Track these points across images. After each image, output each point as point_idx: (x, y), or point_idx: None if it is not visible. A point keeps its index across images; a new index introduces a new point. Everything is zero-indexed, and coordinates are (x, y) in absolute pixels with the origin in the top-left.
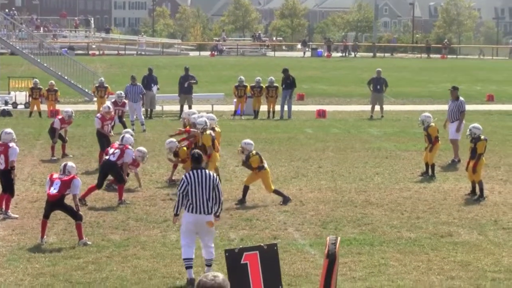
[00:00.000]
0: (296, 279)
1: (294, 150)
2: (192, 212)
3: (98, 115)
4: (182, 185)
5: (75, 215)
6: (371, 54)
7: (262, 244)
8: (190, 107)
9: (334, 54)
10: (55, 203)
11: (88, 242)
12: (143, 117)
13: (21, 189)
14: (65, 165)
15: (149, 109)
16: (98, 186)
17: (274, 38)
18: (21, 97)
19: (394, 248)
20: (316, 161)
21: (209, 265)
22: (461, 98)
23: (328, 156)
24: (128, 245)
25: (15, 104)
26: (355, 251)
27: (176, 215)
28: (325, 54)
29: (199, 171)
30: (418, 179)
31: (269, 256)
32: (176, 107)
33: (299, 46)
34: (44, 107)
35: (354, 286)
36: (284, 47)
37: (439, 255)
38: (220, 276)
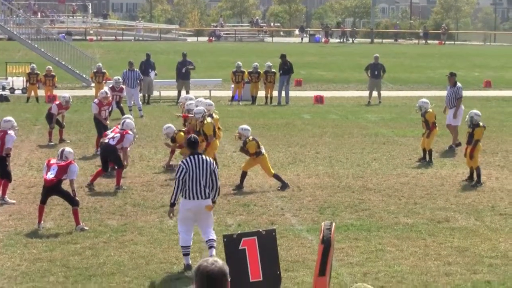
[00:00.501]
0: (293, 264)
1: (291, 136)
2: (190, 198)
3: (96, 100)
4: (181, 171)
5: (72, 201)
6: (369, 40)
7: (260, 230)
8: (187, 93)
9: (332, 40)
10: (52, 188)
11: (85, 228)
12: (140, 102)
13: (18, 174)
14: (62, 151)
15: (146, 95)
16: (104, 169)
17: (272, 24)
18: (19, 82)
19: (391, 233)
20: (313, 146)
21: (212, 247)
22: (459, 84)
23: (326, 141)
24: (125, 231)
25: (12, 90)
26: (352, 236)
27: (173, 205)
28: (323, 40)
29: (196, 156)
30: (416, 165)
31: (268, 242)
32: (174, 93)
33: (296, 32)
34: (41, 92)
35: (351, 271)
36: (281, 33)
37: (436, 240)
38: (220, 261)
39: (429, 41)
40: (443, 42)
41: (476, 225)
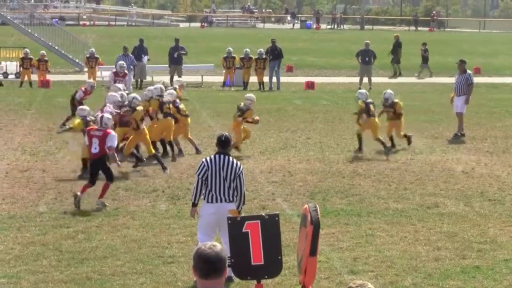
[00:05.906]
0: (284, 249)
1: (283, 121)
2: (212, 201)
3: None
4: (202, 169)
5: (110, 176)
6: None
7: (263, 214)
8: (180, 77)
9: (323, 26)
10: (97, 161)
11: (106, 204)
12: (131, 87)
13: (12, 158)
14: (101, 117)
15: (139, 79)
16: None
17: (264, 10)
18: (12, 67)
19: (381, 219)
20: (304, 132)
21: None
22: (469, 71)
23: (317, 127)
24: (117, 215)
25: (5, 74)
26: (342, 221)
27: (194, 205)
28: (314, 26)
29: (222, 156)
30: (405, 151)
31: (270, 227)
32: (166, 78)
33: (288, 18)
34: (34, 77)
35: (342, 256)
36: (273, 19)
37: (426, 226)
38: (218, 245)
39: (419, 28)
40: (433, 29)
41: (465, 210)
